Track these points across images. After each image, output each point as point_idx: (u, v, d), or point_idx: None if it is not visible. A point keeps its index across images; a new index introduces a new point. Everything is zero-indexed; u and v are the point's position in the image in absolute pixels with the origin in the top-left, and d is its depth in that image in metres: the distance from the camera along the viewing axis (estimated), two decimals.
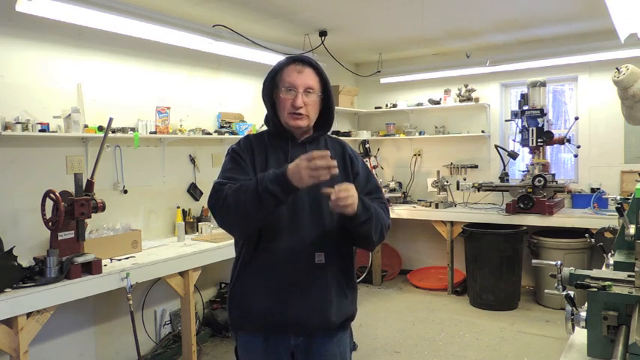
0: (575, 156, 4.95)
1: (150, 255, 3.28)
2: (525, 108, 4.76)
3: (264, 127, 1.86)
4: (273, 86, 1.74)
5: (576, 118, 4.94)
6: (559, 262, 1.61)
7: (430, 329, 4.32)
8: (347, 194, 1.51)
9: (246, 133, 4.43)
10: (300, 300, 1.66)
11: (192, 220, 4.10)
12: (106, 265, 2.94)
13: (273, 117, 1.76)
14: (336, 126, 5.92)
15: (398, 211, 5.42)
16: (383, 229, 1.72)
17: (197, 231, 4.05)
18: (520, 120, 4.83)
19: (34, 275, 2.57)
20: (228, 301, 1.77)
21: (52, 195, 2.65)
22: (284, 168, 1.52)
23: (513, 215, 4.72)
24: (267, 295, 1.66)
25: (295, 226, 1.63)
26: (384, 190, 5.71)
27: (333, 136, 1.92)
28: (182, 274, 3.33)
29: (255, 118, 4.76)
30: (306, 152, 1.71)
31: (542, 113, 4.67)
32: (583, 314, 1.36)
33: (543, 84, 4.78)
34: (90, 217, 2.75)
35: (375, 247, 1.81)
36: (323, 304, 1.68)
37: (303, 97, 1.67)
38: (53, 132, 3.10)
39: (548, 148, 4.93)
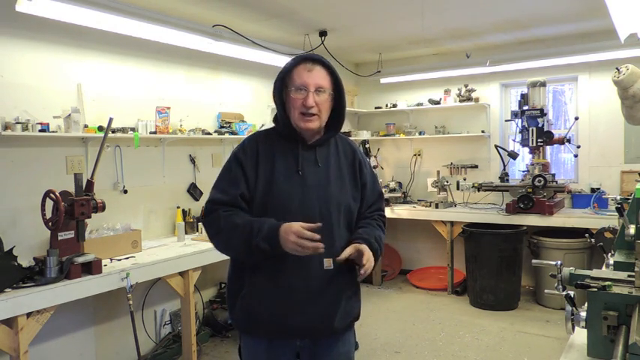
0: (575, 156, 4.95)
1: (150, 255, 3.28)
2: (525, 108, 4.76)
3: (265, 127, 1.85)
4: (283, 86, 1.71)
5: (576, 118, 4.94)
6: (559, 262, 1.61)
7: (430, 329, 4.32)
8: (370, 266, 1.62)
9: (246, 134, 4.43)
10: (309, 306, 1.65)
11: (192, 220, 4.10)
12: (106, 265, 2.94)
13: (283, 117, 1.73)
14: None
15: (398, 211, 5.42)
16: (376, 257, 1.73)
17: (197, 231, 4.05)
18: (520, 120, 4.83)
19: (34, 275, 2.57)
20: (234, 303, 1.73)
21: (52, 195, 2.65)
22: (278, 226, 1.55)
23: (513, 215, 4.72)
24: (275, 301, 1.65)
25: None
26: (383, 190, 5.72)
27: (345, 136, 1.89)
28: (182, 274, 3.33)
29: (255, 117, 4.76)
30: (316, 156, 1.72)
31: (542, 113, 4.67)
32: (583, 314, 1.36)
33: (543, 84, 4.78)
34: (90, 217, 2.75)
35: None
36: (331, 310, 1.69)
37: (314, 96, 1.65)
38: (53, 132, 3.09)
39: (548, 148, 4.93)
